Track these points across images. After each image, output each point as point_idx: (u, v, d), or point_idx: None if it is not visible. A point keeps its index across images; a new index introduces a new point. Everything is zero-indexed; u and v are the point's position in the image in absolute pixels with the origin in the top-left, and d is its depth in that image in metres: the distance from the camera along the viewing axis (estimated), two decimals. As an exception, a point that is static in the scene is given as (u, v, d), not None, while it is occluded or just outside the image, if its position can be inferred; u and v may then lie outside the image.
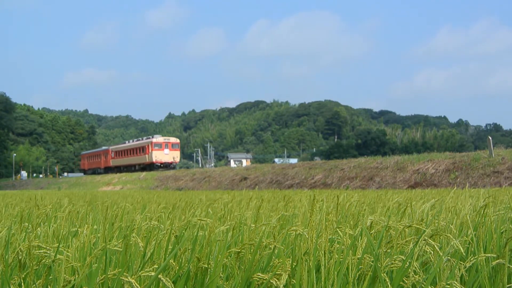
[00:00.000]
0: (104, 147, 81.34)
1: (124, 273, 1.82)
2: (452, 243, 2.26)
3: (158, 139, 60.24)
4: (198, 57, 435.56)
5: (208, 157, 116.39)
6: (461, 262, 2.20)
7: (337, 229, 2.75)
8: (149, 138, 62.36)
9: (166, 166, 58.93)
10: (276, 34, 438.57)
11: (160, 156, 59.14)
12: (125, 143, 70.86)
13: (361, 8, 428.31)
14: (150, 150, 59.37)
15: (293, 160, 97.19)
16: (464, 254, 2.42)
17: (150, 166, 59.56)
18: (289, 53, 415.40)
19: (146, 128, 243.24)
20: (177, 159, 60.44)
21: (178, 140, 62.61)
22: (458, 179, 20.65)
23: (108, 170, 72.47)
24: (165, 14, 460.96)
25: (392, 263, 2.08)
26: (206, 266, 2.05)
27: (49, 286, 1.99)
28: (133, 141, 68.14)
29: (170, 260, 2.13)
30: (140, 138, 66.48)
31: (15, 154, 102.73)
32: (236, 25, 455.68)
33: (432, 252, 2.22)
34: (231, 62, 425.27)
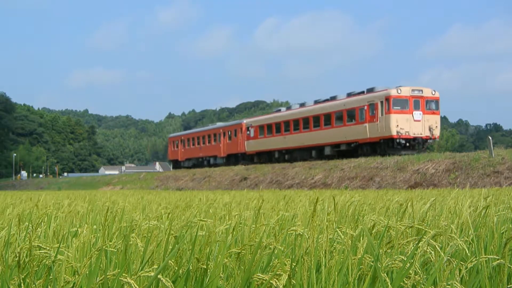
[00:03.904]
0: (222, 123, 48.46)
1: (123, 274, 1.82)
2: (453, 243, 2.26)
3: (402, 90, 29.85)
4: (206, 56, 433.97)
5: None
6: (461, 263, 2.20)
7: (337, 229, 2.75)
8: (373, 89, 31.54)
9: (413, 146, 29.96)
10: (284, 33, 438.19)
11: (406, 124, 29.33)
12: (278, 110, 41.18)
13: (371, 8, 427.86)
14: (381, 113, 29.72)
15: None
16: (468, 253, 2.41)
17: (378, 146, 30.45)
18: (294, 52, 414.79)
19: (146, 128, 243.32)
20: (437, 132, 30.28)
21: (437, 94, 30.81)
22: (458, 179, 20.65)
23: (238, 159, 42.65)
24: (174, 14, 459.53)
25: (392, 263, 2.08)
26: (205, 266, 2.04)
27: (49, 286, 1.98)
28: (321, 101, 36.01)
29: (170, 261, 2.13)
30: (334, 96, 35.28)
31: (15, 154, 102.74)
32: (245, 24, 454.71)
33: (432, 253, 2.22)
34: (237, 62, 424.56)
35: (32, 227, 3.19)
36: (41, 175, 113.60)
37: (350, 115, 32.04)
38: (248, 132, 41.56)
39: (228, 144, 43.89)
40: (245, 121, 43.15)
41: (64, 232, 3.16)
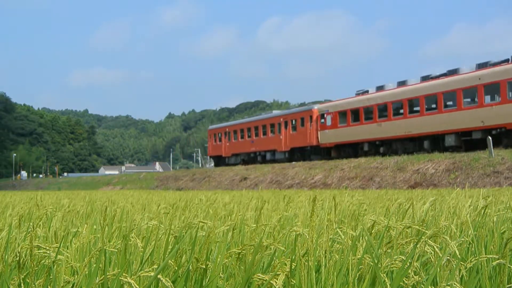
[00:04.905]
0: (280, 111, 40.06)
1: (123, 274, 1.82)
2: (453, 243, 2.26)
3: None
4: (208, 56, 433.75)
5: (208, 157, 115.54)
6: (462, 263, 2.20)
7: (338, 230, 2.75)
8: None
9: None
10: (287, 33, 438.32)
11: None
12: (366, 91, 31.83)
13: (373, 8, 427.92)
14: None
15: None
16: (459, 256, 2.41)
17: None
18: (296, 52, 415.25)
19: (146, 128, 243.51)
20: None
21: None
22: (458, 179, 20.65)
23: (306, 153, 35.26)
24: (176, 13, 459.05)
25: (392, 264, 2.08)
26: (204, 267, 2.04)
27: (49, 286, 1.98)
28: (433, 77, 27.64)
29: (170, 261, 2.13)
30: (453, 69, 26.92)
31: (15, 154, 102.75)
32: (248, 24, 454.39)
33: (432, 253, 2.22)
34: (239, 61, 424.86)
35: (33, 227, 3.20)
36: (41, 175, 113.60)
37: (491, 92, 24.12)
38: (322, 120, 33.25)
39: (292, 135, 35.97)
40: (317, 107, 34.53)
41: (64, 232, 3.16)
